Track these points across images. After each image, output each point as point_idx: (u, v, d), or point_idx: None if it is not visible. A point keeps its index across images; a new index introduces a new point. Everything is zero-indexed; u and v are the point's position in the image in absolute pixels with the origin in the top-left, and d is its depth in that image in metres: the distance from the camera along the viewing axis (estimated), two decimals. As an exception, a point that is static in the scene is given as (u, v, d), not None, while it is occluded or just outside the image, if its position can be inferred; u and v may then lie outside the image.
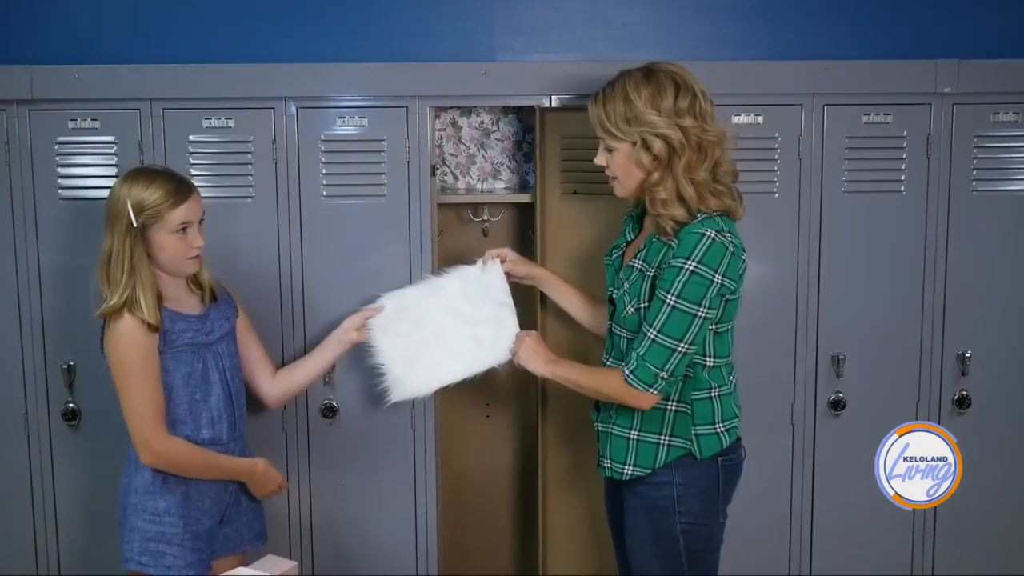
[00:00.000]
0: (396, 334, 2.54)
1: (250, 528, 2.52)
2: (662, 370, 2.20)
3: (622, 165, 2.28)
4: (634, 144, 2.24)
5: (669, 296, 2.18)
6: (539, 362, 2.41)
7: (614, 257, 2.44)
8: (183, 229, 2.31)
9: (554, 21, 2.99)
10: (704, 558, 2.33)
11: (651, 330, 2.20)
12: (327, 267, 2.78)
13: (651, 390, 2.22)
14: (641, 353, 2.21)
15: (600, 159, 2.34)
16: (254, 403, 2.60)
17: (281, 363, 2.69)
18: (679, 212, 2.22)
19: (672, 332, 2.18)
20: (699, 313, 2.18)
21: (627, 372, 2.22)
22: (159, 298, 2.34)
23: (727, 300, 2.23)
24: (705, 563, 2.33)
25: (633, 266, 2.30)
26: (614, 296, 2.35)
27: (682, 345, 2.19)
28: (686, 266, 2.17)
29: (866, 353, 2.87)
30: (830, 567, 2.94)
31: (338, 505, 2.85)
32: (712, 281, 2.17)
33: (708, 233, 2.18)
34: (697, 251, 2.17)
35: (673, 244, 2.21)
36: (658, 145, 2.21)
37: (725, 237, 2.19)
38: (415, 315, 2.55)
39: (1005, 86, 2.81)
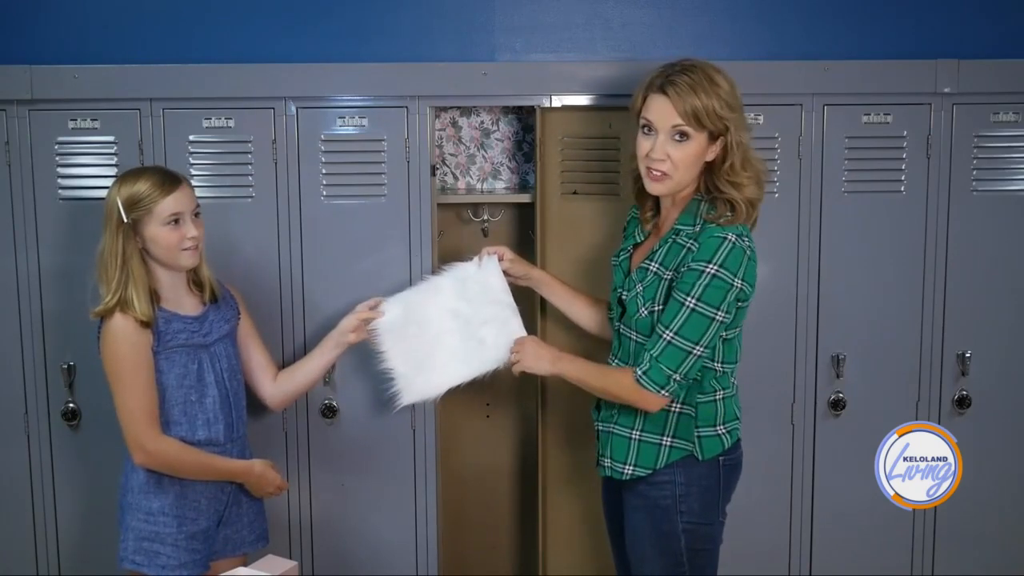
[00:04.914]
0: (403, 338, 2.53)
1: (251, 530, 2.52)
2: (676, 372, 2.19)
3: (692, 156, 2.20)
4: (713, 136, 2.20)
5: (688, 298, 2.17)
6: (544, 362, 2.38)
7: (621, 259, 2.42)
8: (175, 220, 2.31)
9: (554, 21, 2.99)
10: (704, 557, 2.33)
11: (667, 332, 2.18)
12: (327, 267, 2.78)
13: (663, 392, 2.21)
14: (655, 355, 2.20)
15: (661, 150, 2.20)
16: (254, 404, 2.60)
17: (282, 363, 2.69)
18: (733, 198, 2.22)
19: (689, 335, 2.17)
20: (717, 317, 2.17)
21: (639, 373, 2.21)
22: (156, 298, 2.34)
23: (739, 305, 2.22)
24: (705, 562, 2.33)
25: (647, 268, 2.28)
26: (623, 297, 2.33)
27: (697, 348, 2.18)
28: (707, 269, 2.16)
29: (866, 353, 2.87)
30: (830, 567, 2.94)
31: (338, 505, 2.85)
32: (732, 285, 2.16)
33: (729, 237, 2.17)
34: (719, 255, 2.16)
35: (693, 247, 2.20)
36: (738, 138, 2.20)
37: (744, 242, 2.19)
38: (419, 317, 2.54)
39: (1005, 86, 2.81)
